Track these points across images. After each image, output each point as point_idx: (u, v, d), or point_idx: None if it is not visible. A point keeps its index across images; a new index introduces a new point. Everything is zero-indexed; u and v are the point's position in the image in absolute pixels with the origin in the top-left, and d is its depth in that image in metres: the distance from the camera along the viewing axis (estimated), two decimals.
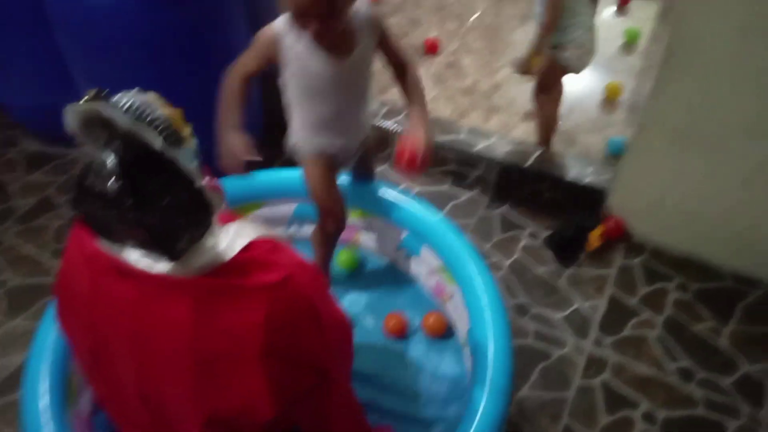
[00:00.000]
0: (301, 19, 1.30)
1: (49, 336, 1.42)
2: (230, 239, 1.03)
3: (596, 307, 1.96)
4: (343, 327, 1.22)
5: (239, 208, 1.98)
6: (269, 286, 1.01)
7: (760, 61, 1.66)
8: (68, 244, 1.08)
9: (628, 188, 2.10)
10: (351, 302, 1.89)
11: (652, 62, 2.92)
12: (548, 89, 2.29)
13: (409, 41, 3.09)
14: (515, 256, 2.12)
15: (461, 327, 1.70)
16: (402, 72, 1.53)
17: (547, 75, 2.23)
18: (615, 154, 2.45)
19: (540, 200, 2.28)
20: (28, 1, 2.02)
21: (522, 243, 2.17)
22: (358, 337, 1.29)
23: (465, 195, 2.35)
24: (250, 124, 2.30)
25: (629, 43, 3.11)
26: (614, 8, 3.37)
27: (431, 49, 3.01)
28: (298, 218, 2.05)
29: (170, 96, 1.93)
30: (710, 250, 2.05)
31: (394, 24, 3.21)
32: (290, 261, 1.08)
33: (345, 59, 1.42)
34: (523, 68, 2.25)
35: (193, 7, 1.90)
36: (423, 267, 1.86)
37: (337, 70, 1.42)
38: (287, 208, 2.05)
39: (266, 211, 2.04)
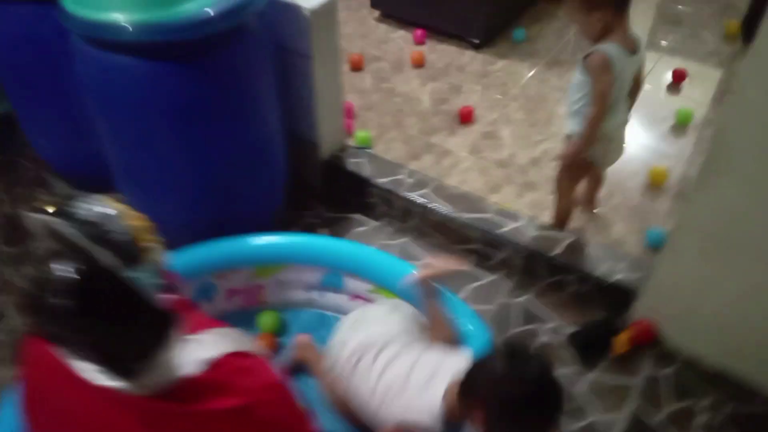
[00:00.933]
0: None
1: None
2: (193, 355, 0.96)
3: (614, 422, 1.80)
4: None
5: (262, 268, 1.98)
6: (224, 413, 0.93)
7: None
8: (29, 337, 1.03)
9: (662, 290, 1.94)
10: None
11: (703, 149, 2.78)
12: (570, 178, 2.19)
13: (446, 108, 3.03)
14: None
15: None
16: None
17: (570, 164, 2.12)
18: (654, 247, 2.30)
19: (566, 293, 2.14)
20: (51, 60, 2.07)
21: (542, 338, 2.03)
22: None
23: (487, 278, 2.23)
24: (273, 182, 2.28)
25: (680, 125, 2.96)
26: (666, 85, 3.24)
27: (465, 117, 2.93)
28: (325, 286, 2.02)
29: (194, 161, 1.94)
30: (749, 369, 1.87)
31: (434, 89, 3.16)
32: (256, 384, 1.00)
33: None
34: (572, 162, 2.13)
35: (222, 72, 1.88)
36: None
37: None
38: (313, 276, 2.00)
39: (289, 274, 2.01)
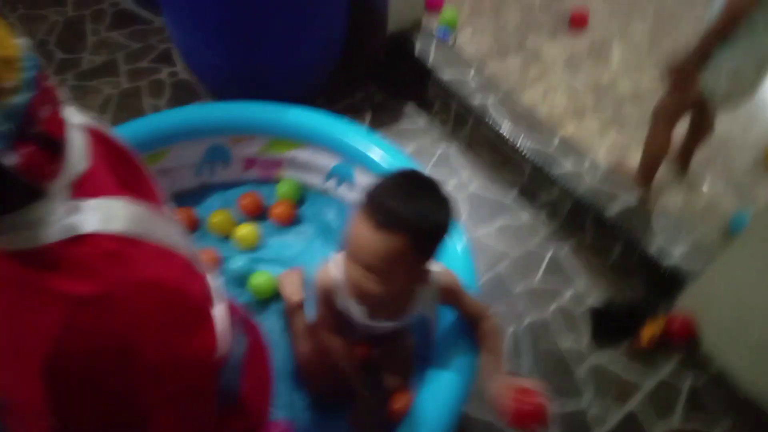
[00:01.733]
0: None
1: None
2: (65, 222, 0.81)
3: (604, 419, 1.57)
4: (192, 370, 1.00)
5: (276, 140, 1.82)
6: (73, 298, 0.80)
7: None
8: None
9: (715, 289, 1.61)
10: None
11: None
12: (673, 110, 1.78)
13: (557, 6, 2.58)
14: (544, 315, 1.74)
15: None
16: (477, 325, 1.26)
17: (679, 96, 1.71)
18: (734, 234, 1.91)
19: (607, 259, 1.84)
20: None
21: (560, 301, 1.77)
22: None
23: (525, 216, 1.95)
24: (324, 48, 2.03)
25: None
26: None
27: (576, 23, 2.48)
28: (336, 175, 1.84)
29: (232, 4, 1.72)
30: None
31: None
32: (125, 276, 0.84)
33: (398, 320, 1.25)
34: (677, 77, 1.71)
35: None
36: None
37: (380, 325, 1.26)
38: (326, 161, 1.82)
39: (303, 154, 1.83)
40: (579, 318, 1.74)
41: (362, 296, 1.13)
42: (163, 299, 0.91)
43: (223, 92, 2.10)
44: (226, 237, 1.79)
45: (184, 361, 0.99)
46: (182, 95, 2.21)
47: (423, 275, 1.13)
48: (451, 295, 1.23)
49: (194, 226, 1.80)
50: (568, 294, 1.78)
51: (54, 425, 0.92)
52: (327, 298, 1.24)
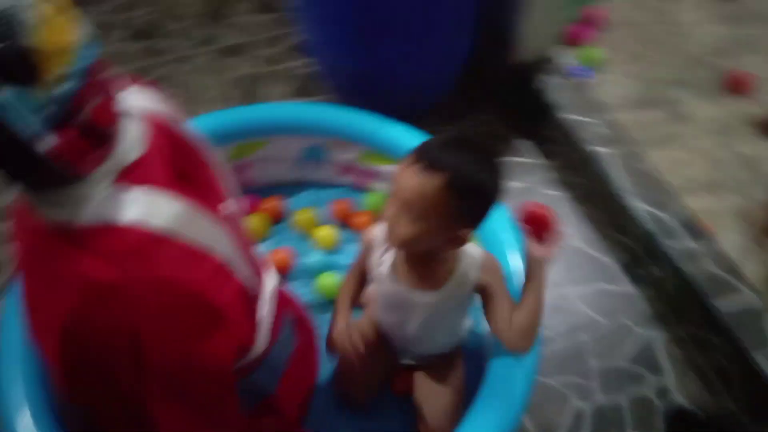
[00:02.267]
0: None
1: None
2: (104, 208, 0.81)
3: None
4: (203, 374, 0.97)
5: (370, 152, 1.77)
6: (88, 281, 0.81)
7: None
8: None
9: None
10: None
11: None
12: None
13: (717, 62, 2.31)
14: (618, 400, 1.55)
15: None
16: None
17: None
18: None
19: (708, 357, 1.61)
20: None
21: (642, 390, 1.57)
22: None
23: (626, 287, 1.76)
24: (442, 63, 1.95)
25: None
26: None
27: (736, 86, 2.21)
28: None
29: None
30: None
31: (718, 33, 2.41)
32: (142, 272, 0.83)
33: (426, 292, 1.17)
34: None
35: None
36: None
37: (412, 300, 1.19)
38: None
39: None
40: (659, 414, 1.54)
41: (393, 238, 1.08)
42: (176, 300, 0.89)
43: (344, 94, 2.09)
44: (306, 235, 1.78)
45: (193, 365, 0.97)
46: (309, 88, 2.23)
47: (458, 238, 1.05)
48: (489, 276, 1.15)
49: (278, 218, 1.81)
50: (652, 384, 1.59)
51: (67, 391, 0.93)
52: (365, 251, 1.27)
